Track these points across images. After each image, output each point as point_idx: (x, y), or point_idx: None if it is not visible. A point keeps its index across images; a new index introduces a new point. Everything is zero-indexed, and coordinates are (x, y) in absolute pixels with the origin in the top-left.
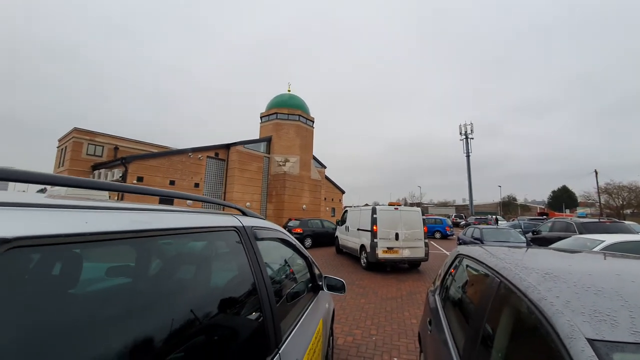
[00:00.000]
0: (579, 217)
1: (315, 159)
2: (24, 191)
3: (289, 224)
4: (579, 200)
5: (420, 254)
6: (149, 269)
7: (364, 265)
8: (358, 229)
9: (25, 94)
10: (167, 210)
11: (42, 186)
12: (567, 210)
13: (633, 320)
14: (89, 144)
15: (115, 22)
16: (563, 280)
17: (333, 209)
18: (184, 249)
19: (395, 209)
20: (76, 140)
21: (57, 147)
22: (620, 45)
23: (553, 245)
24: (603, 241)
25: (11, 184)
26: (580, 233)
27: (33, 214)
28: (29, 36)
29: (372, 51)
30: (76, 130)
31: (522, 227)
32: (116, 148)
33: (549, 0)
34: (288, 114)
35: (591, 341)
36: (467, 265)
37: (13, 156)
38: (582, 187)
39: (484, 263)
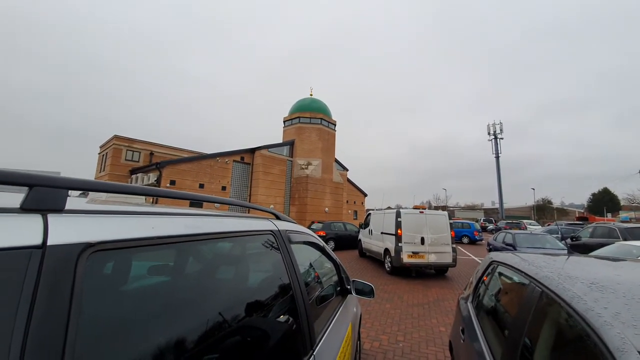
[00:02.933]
0: (622, 221)
1: (337, 161)
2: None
3: (312, 227)
4: (622, 203)
5: (447, 259)
6: (197, 270)
7: (388, 269)
8: (382, 233)
9: (75, 104)
10: (213, 215)
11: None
12: (609, 215)
13: None
14: (127, 150)
15: (154, 38)
16: (611, 291)
17: (355, 212)
18: (226, 251)
19: (420, 212)
20: (116, 147)
21: (99, 153)
22: None
23: (595, 253)
24: None
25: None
26: (625, 239)
27: (111, 220)
28: (80, 53)
29: (396, 53)
30: (116, 137)
31: (560, 232)
32: (151, 153)
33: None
34: (310, 118)
35: None
36: (502, 273)
37: (62, 162)
38: (625, 190)
39: (522, 271)
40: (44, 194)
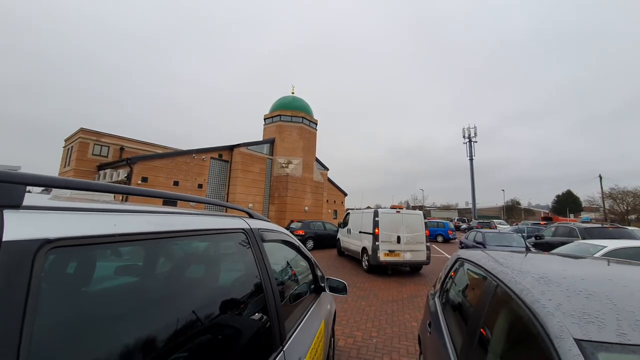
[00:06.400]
0: (583, 222)
1: (318, 161)
2: (29, 191)
3: (291, 226)
4: (584, 205)
5: (422, 257)
6: (163, 269)
7: (365, 267)
8: (360, 232)
9: (54, 99)
10: (181, 212)
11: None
12: (572, 215)
13: (619, 322)
14: (94, 144)
15: (135, 34)
16: (557, 284)
17: (335, 211)
18: (195, 249)
19: (397, 212)
20: (82, 141)
21: (64, 147)
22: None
23: (555, 251)
24: (605, 247)
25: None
26: (584, 238)
27: (70, 216)
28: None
29: (374, 61)
30: (82, 130)
31: (526, 231)
32: (122, 148)
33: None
34: (291, 116)
35: (578, 341)
36: (466, 269)
37: (38, 157)
38: (587, 192)
39: (482, 266)
40: (0, 190)
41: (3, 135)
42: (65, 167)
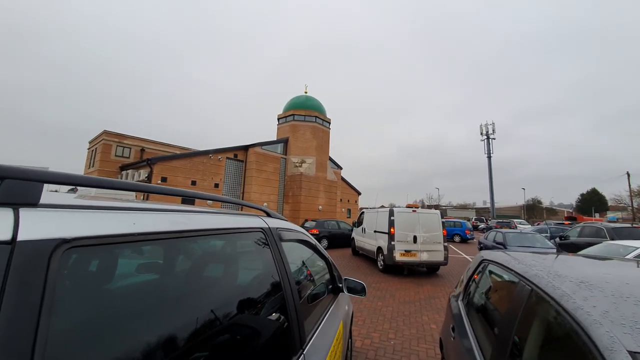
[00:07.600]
0: (609, 221)
1: (331, 160)
2: (56, 191)
3: (305, 225)
4: (610, 203)
5: (439, 257)
6: (182, 268)
7: (380, 267)
8: (375, 231)
9: (78, 104)
10: (201, 211)
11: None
12: (597, 215)
13: None
14: (117, 145)
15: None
16: (599, 289)
17: (349, 210)
18: (213, 248)
19: (413, 211)
20: (106, 142)
21: (88, 149)
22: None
23: (583, 252)
24: (637, 248)
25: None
26: (612, 239)
27: (88, 215)
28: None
29: (384, 60)
30: (106, 133)
31: (549, 231)
32: (142, 150)
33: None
34: (305, 116)
35: (633, 354)
36: (492, 272)
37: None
38: (613, 190)
39: (512, 270)
40: (17, 187)
41: (27, 137)
42: (89, 167)
